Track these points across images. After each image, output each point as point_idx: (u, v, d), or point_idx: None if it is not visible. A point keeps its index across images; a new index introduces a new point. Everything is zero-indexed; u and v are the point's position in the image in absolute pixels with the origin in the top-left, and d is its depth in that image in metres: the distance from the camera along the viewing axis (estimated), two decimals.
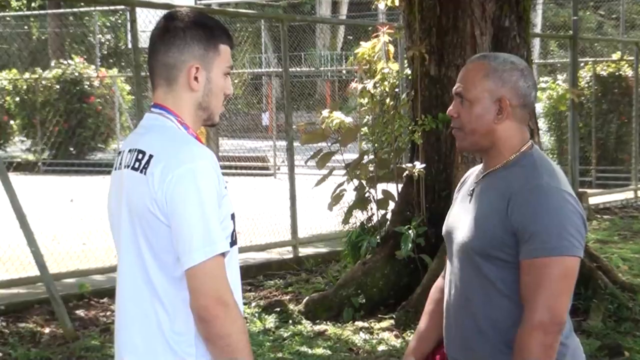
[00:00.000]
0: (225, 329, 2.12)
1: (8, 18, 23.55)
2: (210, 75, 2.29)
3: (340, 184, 7.35)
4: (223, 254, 2.15)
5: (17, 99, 20.70)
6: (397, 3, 7.34)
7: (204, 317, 2.12)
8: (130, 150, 2.27)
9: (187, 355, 2.21)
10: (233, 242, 2.27)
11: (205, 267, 2.11)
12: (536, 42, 25.13)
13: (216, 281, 2.12)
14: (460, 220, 2.61)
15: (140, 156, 2.22)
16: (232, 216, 2.26)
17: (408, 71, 7.16)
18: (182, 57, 2.27)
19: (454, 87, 2.60)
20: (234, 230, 2.27)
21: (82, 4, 20.83)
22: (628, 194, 13.71)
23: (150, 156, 2.20)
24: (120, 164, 2.30)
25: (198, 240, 2.11)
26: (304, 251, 9.07)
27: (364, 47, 7.22)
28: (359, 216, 7.47)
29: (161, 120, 2.28)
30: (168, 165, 2.16)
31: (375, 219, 7.32)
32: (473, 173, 2.71)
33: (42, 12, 23.32)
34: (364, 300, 6.58)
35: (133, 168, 2.22)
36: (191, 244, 2.11)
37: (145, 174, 2.18)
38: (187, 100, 2.29)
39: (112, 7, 19.19)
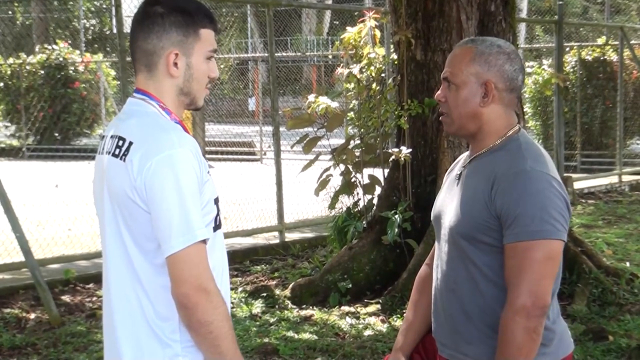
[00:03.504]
0: (207, 316, 2.11)
1: None
2: (191, 61, 2.27)
3: (327, 169, 7.35)
4: (204, 241, 2.14)
5: (1, 84, 20.56)
6: None
7: (185, 305, 2.11)
8: (112, 136, 2.26)
9: (171, 341, 2.20)
10: (217, 227, 2.26)
11: (185, 255, 2.10)
12: (522, 27, 25.15)
13: (197, 268, 2.11)
14: (447, 205, 2.62)
15: (120, 143, 2.21)
16: (216, 200, 2.25)
17: (394, 56, 7.15)
18: (160, 43, 2.25)
19: (442, 72, 2.60)
20: (217, 215, 2.26)
21: None
22: (612, 179, 13.77)
23: (130, 143, 2.18)
24: (103, 149, 2.29)
25: (177, 228, 2.10)
26: (290, 236, 9.07)
27: (350, 32, 7.21)
28: (345, 201, 7.48)
29: (143, 106, 2.27)
30: (147, 152, 2.15)
31: (361, 204, 7.33)
32: (462, 158, 2.72)
33: None
34: (350, 285, 6.60)
35: (113, 155, 2.21)
36: (170, 232, 2.10)
37: (124, 161, 2.17)
38: (168, 86, 2.28)
39: None
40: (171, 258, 2.11)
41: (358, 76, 7.19)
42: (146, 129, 2.20)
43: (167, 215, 2.11)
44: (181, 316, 2.15)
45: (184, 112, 2.36)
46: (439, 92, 2.60)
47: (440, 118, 2.63)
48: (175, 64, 2.26)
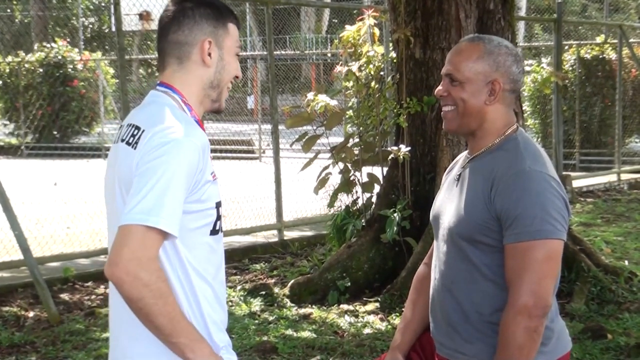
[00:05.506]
0: (134, 292, 2.03)
1: None
2: (223, 53, 2.29)
3: (326, 167, 7.35)
4: (164, 234, 2.06)
5: (0, 82, 20.55)
6: None
7: (112, 280, 2.05)
8: (128, 125, 2.25)
9: None
10: (214, 231, 2.23)
11: (130, 232, 2.03)
12: (521, 25, 25.15)
13: (137, 250, 2.02)
14: (446, 205, 2.62)
15: (135, 131, 2.20)
16: (217, 205, 2.22)
17: (393, 54, 7.15)
18: (192, 34, 2.26)
19: (443, 69, 2.59)
20: (217, 220, 2.23)
21: None
22: (611, 177, 13.78)
23: (143, 131, 2.17)
24: (119, 137, 2.28)
25: (142, 204, 2.04)
26: (289, 234, 9.08)
27: (349, 30, 7.20)
28: (344, 199, 7.48)
29: (163, 98, 2.26)
30: (153, 134, 2.13)
31: (360, 202, 7.33)
32: (461, 158, 2.72)
33: None
34: (349, 284, 6.60)
35: (127, 143, 2.20)
36: (136, 204, 2.04)
37: (135, 148, 2.16)
38: (198, 77, 2.28)
39: None
40: (121, 228, 2.05)
41: (357, 74, 7.19)
42: (159, 117, 2.18)
43: (141, 188, 2.06)
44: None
45: (203, 112, 2.33)
46: (439, 87, 2.59)
47: (442, 113, 2.62)
48: (209, 54, 2.27)
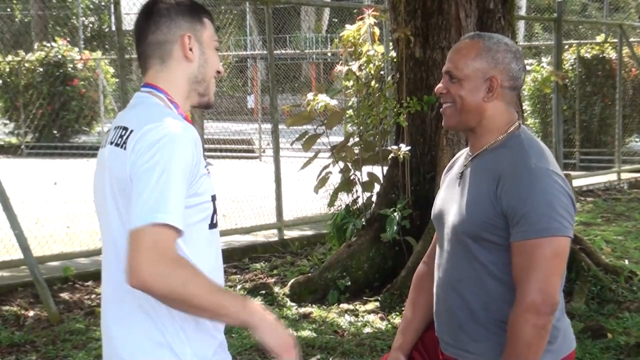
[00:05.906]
0: (162, 289, 2.01)
1: None
2: (203, 47, 2.30)
3: (326, 167, 7.35)
4: (175, 230, 2.05)
5: (0, 81, 20.55)
6: None
7: (134, 285, 2.02)
8: (115, 127, 2.25)
9: (172, 337, 2.18)
10: (213, 225, 2.24)
11: (146, 231, 2.01)
12: (521, 25, 25.16)
13: (150, 249, 2.01)
14: (449, 203, 2.61)
15: (123, 132, 2.19)
16: (213, 198, 2.23)
17: (393, 53, 7.15)
18: (171, 32, 2.27)
19: (444, 67, 2.60)
20: (214, 213, 2.24)
21: None
22: (611, 177, 13.77)
23: (131, 131, 2.17)
24: (106, 140, 2.27)
25: (146, 203, 2.02)
26: (289, 234, 9.07)
27: (349, 30, 7.20)
28: (344, 199, 7.48)
29: (149, 98, 2.27)
30: (145, 133, 2.12)
31: (360, 201, 7.33)
32: (461, 156, 2.72)
33: None
34: (349, 283, 6.60)
35: (116, 144, 2.20)
36: (141, 206, 2.03)
37: (125, 148, 2.15)
38: (182, 73, 2.28)
39: None
40: (133, 232, 2.03)
41: (357, 74, 7.18)
42: (146, 116, 2.18)
43: (143, 189, 2.04)
44: None
45: (189, 108, 2.34)
46: (439, 84, 2.60)
47: (441, 110, 2.62)
48: (191, 49, 2.28)
